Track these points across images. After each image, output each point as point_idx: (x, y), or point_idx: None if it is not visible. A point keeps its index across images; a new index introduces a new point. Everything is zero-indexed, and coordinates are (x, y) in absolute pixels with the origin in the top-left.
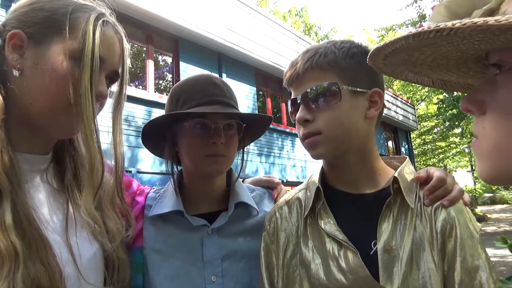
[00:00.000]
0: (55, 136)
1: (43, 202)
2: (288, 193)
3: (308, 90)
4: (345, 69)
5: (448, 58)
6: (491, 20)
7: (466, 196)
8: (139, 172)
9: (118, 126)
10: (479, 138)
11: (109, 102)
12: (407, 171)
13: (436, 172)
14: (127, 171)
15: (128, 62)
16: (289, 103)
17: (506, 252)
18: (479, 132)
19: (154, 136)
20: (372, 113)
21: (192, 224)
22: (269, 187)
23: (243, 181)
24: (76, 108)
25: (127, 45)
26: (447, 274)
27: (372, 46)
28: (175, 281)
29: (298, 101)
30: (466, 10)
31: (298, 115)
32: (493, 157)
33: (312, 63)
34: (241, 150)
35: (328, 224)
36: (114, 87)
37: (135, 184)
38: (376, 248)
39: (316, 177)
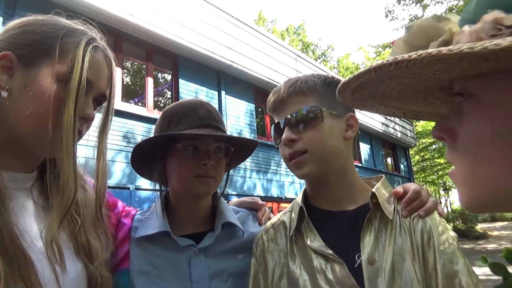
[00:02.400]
0: (40, 155)
1: (27, 220)
2: (274, 218)
3: (293, 114)
4: (324, 95)
5: (414, 89)
6: (444, 49)
7: (440, 207)
8: (137, 189)
9: (103, 149)
10: (456, 167)
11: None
12: (384, 187)
13: (411, 186)
14: (125, 188)
15: (115, 87)
16: (272, 128)
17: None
18: (454, 160)
19: (144, 157)
20: (350, 135)
21: (179, 244)
22: (253, 208)
23: (227, 202)
24: (58, 130)
25: (115, 69)
26: (429, 282)
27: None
28: None
29: (282, 124)
30: (423, 43)
31: (284, 136)
32: (468, 185)
33: (295, 89)
34: (227, 172)
35: (315, 241)
36: (119, 104)
37: (120, 204)
38: (360, 260)
39: (299, 199)
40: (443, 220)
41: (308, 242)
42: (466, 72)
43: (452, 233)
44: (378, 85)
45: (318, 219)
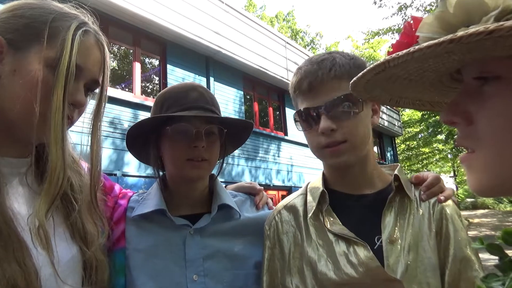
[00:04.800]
0: (31, 141)
1: (22, 204)
2: (284, 200)
3: (333, 101)
4: None
5: (437, 70)
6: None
7: (454, 197)
8: (124, 175)
9: (97, 135)
10: (476, 150)
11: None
12: (402, 174)
13: (430, 173)
14: (112, 174)
15: (108, 71)
16: (300, 112)
17: (486, 255)
18: (474, 144)
19: (139, 141)
20: (375, 120)
21: (175, 223)
22: (251, 193)
23: (225, 187)
24: (48, 115)
25: (108, 54)
26: (443, 261)
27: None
28: (157, 280)
29: (316, 111)
30: (461, 20)
31: (323, 125)
32: (491, 168)
33: (335, 73)
34: (221, 158)
35: (335, 225)
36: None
37: (117, 187)
38: (380, 241)
39: (318, 183)
40: (457, 207)
41: (328, 226)
42: (491, 53)
43: (464, 220)
44: (413, 64)
45: (337, 203)
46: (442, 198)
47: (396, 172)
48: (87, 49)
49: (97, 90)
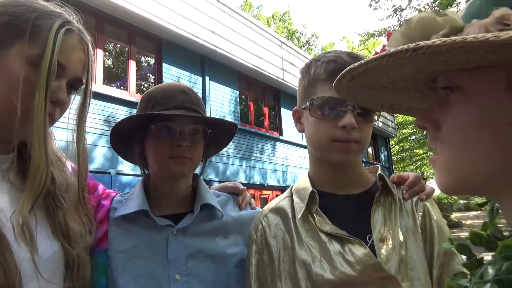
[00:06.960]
0: (13, 138)
1: (3, 200)
2: (269, 204)
3: None
4: None
5: (406, 80)
6: (469, 37)
7: (433, 196)
8: (118, 173)
9: (82, 134)
10: (439, 152)
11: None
12: (384, 174)
13: (411, 173)
14: (106, 173)
15: (92, 70)
16: (324, 99)
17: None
18: (436, 148)
19: (123, 139)
20: None
21: (158, 223)
22: (234, 193)
23: (209, 187)
24: (30, 113)
25: (92, 53)
26: (429, 257)
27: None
28: (139, 281)
29: (345, 105)
30: (421, 36)
31: (349, 120)
32: (449, 170)
33: None
34: (204, 159)
35: (326, 225)
36: (100, 87)
37: (100, 187)
38: (372, 240)
39: (305, 184)
40: (437, 206)
41: (320, 226)
42: (463, 65)
43: (444, 219)
44: (379, 72)
45: (324, 203)
46: (423, 196)
47: (379, 171)
48: (70, 47)
49: (82, 88)
